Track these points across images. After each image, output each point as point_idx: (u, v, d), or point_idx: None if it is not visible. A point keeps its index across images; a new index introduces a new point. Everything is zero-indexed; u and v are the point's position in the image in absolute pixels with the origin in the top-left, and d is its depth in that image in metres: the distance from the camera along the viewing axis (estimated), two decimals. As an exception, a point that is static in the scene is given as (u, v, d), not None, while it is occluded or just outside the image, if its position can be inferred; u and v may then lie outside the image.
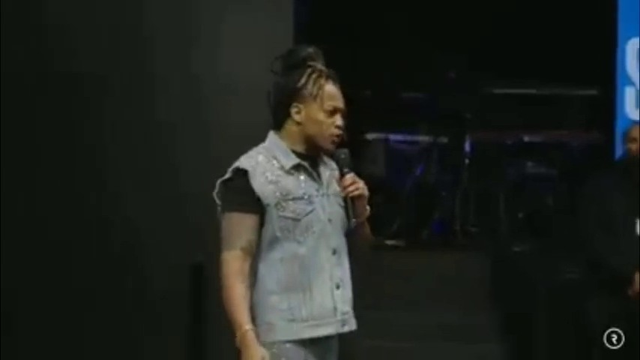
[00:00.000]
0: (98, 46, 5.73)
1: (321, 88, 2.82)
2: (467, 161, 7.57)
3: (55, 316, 5.56)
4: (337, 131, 2.84)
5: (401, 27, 8.30)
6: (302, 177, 2.84)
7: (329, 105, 2.83)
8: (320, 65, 2.87)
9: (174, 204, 5.48)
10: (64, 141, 5.69)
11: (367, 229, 2.98)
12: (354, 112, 8.09)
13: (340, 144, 2.90)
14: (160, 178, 5.53)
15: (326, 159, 2.94)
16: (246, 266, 2.77)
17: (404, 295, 6.12)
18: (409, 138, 8.10)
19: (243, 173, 2.79)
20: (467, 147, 7.60)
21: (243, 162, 2.83)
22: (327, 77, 2.85)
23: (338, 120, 2.85)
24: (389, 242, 7.24)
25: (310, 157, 2.87)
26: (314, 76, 2.83)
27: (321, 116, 2.82)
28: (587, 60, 7.24)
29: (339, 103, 2.86)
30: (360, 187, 2.87)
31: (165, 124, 5.64)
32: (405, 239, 7.31)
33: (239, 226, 2.78)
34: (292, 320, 2.78)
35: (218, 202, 2.85)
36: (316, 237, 2.81)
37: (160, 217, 5.48)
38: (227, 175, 2.84)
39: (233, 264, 2.75)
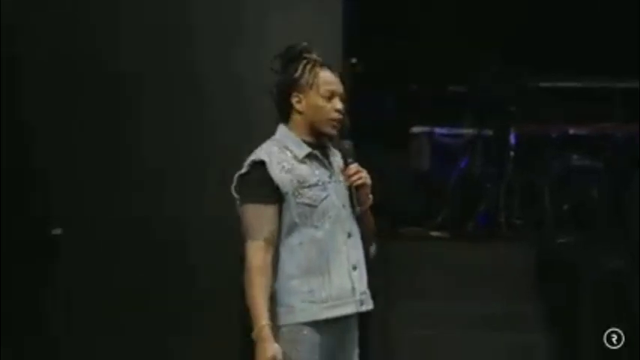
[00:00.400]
0: (140, 44, 5.81)
1: (316, 75, 2.94)
2: (512, 154, 7.57)
3: (104, 316, 5.68)
4: (337, 115, 2.95)
5: (446, 22, 8.38)
6: (314, 165, 2.95)
7: (325, 90, 2.94)
8: (315, 56, 2.99)
9: (218, 202, 5.56)
10: (109, 141, 5.81)
11: (371, 218, 3.09)
12: (400, 106, 8.17)
13: (342, 127, 3.01)
14: (204, 177, 5.59)
15: (334, 150, 3.05)
16: (269, 257, 2.87)
17: (449, 285, 6.18)
18: (454, 131, 8.15)
19: (260, 164, 2.91)
20: (512, 140, 7.60)
21: (259, 154, 2.94)
22: (322, 65, 2.97)
23: (337, 104, 2.96)
24: (434, 234, 7.34)
25: (320, 147, 2.98)
26: (309, 66, 2.96)
27: (320, 102, 2.94)
28: (630, 53, 7.25)
29: (336, 87, 2.97)
30: (363, 176, 2.98)
31: (210, 123, 5.73)
32: (450, 231, 7.36)
33: (260, 218, 2.88)
34: (312, 302, 2.88)
35: (236, 195, 2.94)
36: (332, 221, 2.92)
37: (205, 215, 5.56)
38: (244, 169, 2.94)
39: (256, 256, 2.85)
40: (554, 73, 7.84)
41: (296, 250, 2.91)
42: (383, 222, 6.97)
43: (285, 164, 2.92)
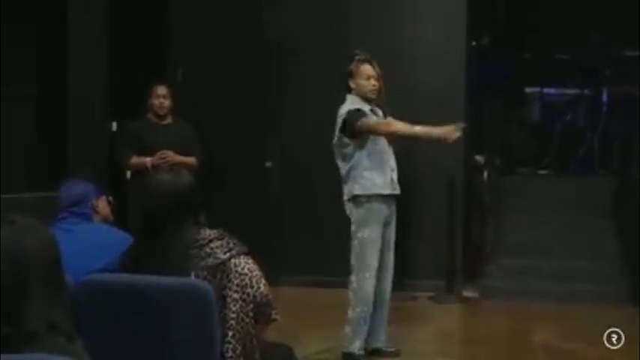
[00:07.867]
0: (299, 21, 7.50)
1: (357, 67, 5.20)
2: (605, 109, 8.93)
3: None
4: (371, 87, 5.19)
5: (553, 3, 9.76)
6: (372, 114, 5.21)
7: (363, 75, 5.19)
8: (364, 56, 5.23)
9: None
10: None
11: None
12: (516, 70, 9.46)
13: (379, 93, 5.22)
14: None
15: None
16: None
17: (551, 205, 7.91)
18: (560, 91, 9.47)
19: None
20: (605, 97, 8.96)
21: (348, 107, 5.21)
22: (363, 61, 5.21)
23: (372, 81, 5.18)
24: (542, 172, 8.99)
25: (369, 102, 5.23)
26: (355, 62, 5.21)
27: (361, 82, 5.18)
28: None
29: (370, 72, 5.19)
30: None
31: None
32: (555, 169, 8.95)
33: None
34: (373, 184, 5.13)
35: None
36: (383, 142, 5.16)
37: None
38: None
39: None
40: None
41: (369, 155, 5.10)
42: (502, 162, 8.65)
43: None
